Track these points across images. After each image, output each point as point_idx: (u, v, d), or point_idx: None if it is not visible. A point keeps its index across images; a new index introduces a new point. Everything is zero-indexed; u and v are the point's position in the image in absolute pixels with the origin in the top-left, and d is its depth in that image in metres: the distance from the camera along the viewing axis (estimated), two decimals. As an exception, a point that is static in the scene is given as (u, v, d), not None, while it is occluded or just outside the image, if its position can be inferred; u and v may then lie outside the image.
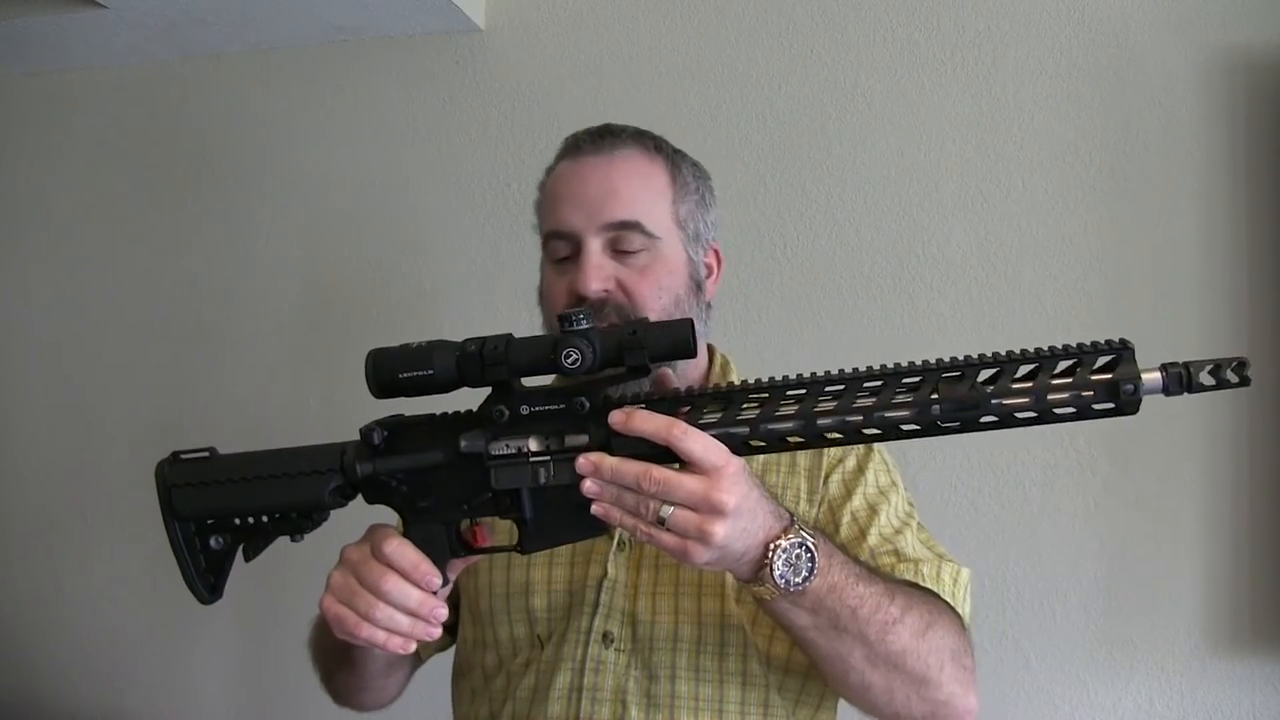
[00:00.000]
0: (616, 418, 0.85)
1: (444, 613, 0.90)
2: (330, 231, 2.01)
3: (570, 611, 1.09)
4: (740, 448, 0.85)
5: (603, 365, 0.86)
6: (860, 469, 1.14)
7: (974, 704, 0.99)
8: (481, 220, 1.93)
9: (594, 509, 0.85)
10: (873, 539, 1.09)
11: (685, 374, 1.12)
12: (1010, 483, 1.67)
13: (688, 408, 0.87)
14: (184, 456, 1.00)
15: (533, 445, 0.89)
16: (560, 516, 0.89)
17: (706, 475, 0.82)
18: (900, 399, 0.83)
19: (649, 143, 1.16)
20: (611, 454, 0.86)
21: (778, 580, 0.87)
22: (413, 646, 0.90)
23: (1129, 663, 1.62)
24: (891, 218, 1.75)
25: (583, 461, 0.84)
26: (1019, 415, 0.81)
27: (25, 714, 2.11)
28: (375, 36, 1.99)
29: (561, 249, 1.12)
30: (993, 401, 0.81)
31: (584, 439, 0.88)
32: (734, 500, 0.82)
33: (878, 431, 0.84)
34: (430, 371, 0.90)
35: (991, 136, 1.72)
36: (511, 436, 0.90)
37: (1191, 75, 1.65)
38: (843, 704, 1.17)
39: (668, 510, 0.82)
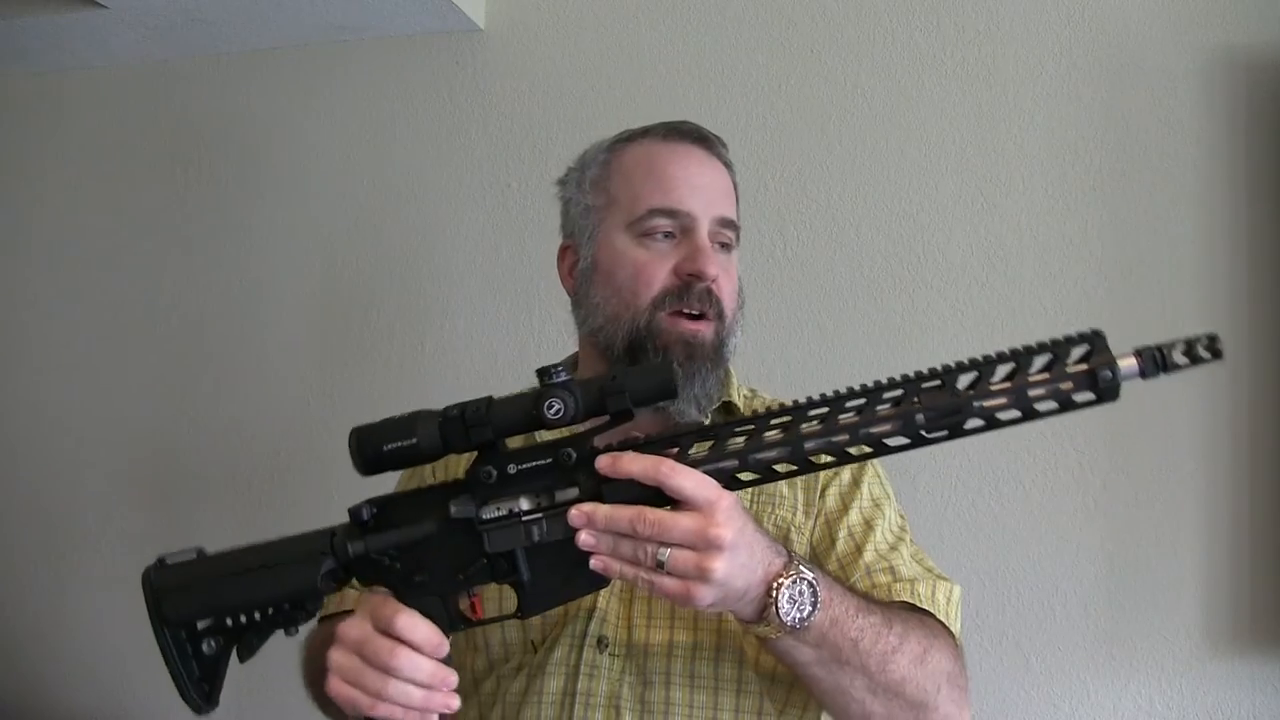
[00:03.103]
0: (603, 462, 0.84)
1: (455, 679, 0.88)
2: (330, 231, 2.01)
3: (565, 616, 1.08)
4: (730, 481, 0.85)
5: (586, 414, 0.85)
6: (855, 482, 1.13)
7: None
8: (482, 220, 1.93)
9: (593, 563, 0.84)
10: (868, 555, 1.08)
11: (709, 399, 1.12)
12: (1010, 483, 1.67)
13: (675, 448, 0.87)
14: (170, 561, 0.95)
15: (524, 504, 0.88)
16: (558, 575, 0.88)
17: (700, 512, 0.81)
18: (884, 413, 0.83)
19: (729, 163, 1.19)
20: (606, 500, 0.85)
21: (783, 618, 0.86)
22: (433, 718, 0.88)
23: (1129, 663, 1.62)
24: (891, 218, 1.75)
25: (575, 513, 0.83)
26: (1002, 416, 0.82)
27: (23, 714, 2.11)
28: (375, 36, 1.99)
29: (665, 228, 1.10)
30: (975, 405, 0.82)
31: (574, 492, 0.87)
32: (730, 534, 0.81)
33: (867, 449, 0.84)
34: (414, 441, 0.88)
35: (991, 136, 1.72)
36: (502, 498, 0.88)
37: (1191, 75, 1.65)
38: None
39: (665, 553, 0.81)
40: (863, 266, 1.75)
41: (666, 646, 1.06)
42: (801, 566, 0.87)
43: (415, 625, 0.86)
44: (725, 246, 1.13)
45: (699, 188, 1.11)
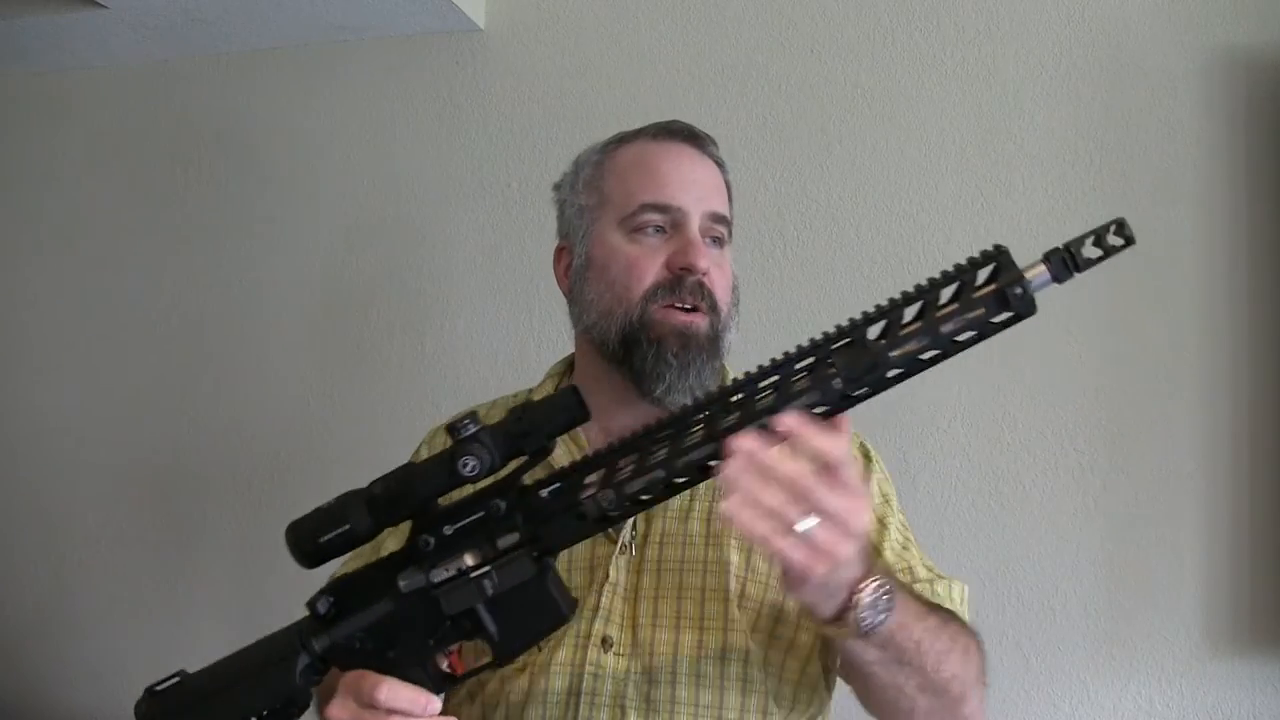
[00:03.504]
0: (745, 442, 0.77)
1: None
2: (330, 231, 2.01)
3: None
4: (668, 488, 0.84)
5: (505, 459, 0.85)
6: (863, 482, 1.14)
7: (983, 713, 1.03)
8: (481, 220, 1.93)
9: (722, 505, 0.77)
10: (888, 555, 1.09)
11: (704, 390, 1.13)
12: (1010, 483, 1.67)
13: (601, 469, 0.85)
14: (158, 689, 0.96)
15: (469, 561, 0.87)
16: (524, 617, 0.88)
17: (852, 494, 0.78)
18: (800, 385, 0.80)
19: (721, 162, 1.19)
20: (544, 541, 0.85)
21: (861, 620, 0.85)
22: None
23: (1129, 663, 1.62)
24: (891, 218, 1.75)
25: (744, 440, 0.76)
26: (923, 358, 0.79)
27: (24, 713, 2.11)
28: (375, 36, 1.99)
29: (656, 222, 1.11)
30: (891, 355, 0.78)
31: (515, 536, 0.86)
32: (865, 527, 0.80)
33: None
34: (348, 526, 0.87)
35: (991, 136, 1.72)
36: (447, 559, 0.88)
37: (1191, 75, 1.65)
38: (837, 709, 1.17)
39: (810, 523, 0.75)
40: (863, 266, 1.75)
41: (672, 645, 1.05)
42: (881, 570, 0.87)
43: (397, 693, 0.86)
44: (717, 241, 1.14)
45: (690, 183, 1.13)
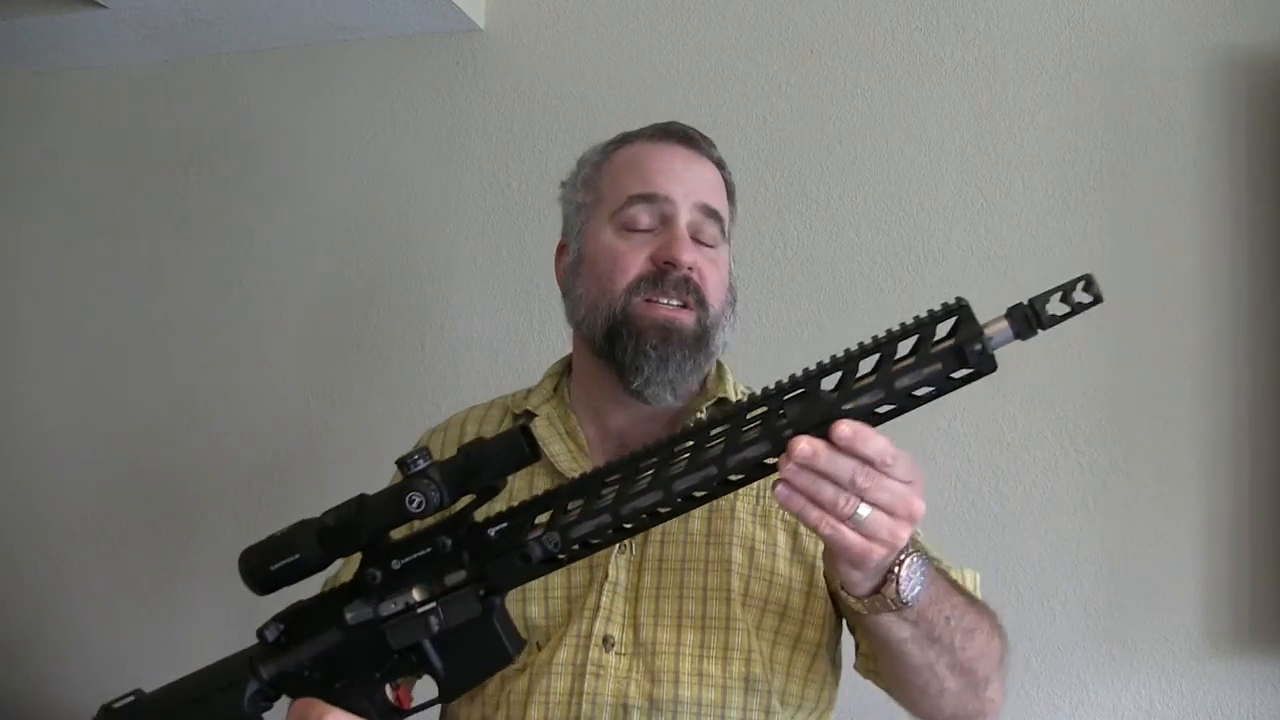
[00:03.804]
0: (802, 449, 0.77)
1: None
2: (330, 231, 2.01)
3: (569, 617, 1.08)
4: (615, 533, 0.83)
5: (454, 497, 0.84)
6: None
7: (1003, 697, 1.03)
8: (481, 220, 1.93)
9: (779, 490, 0.79)
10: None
11: (686, 386, 1.13)
12: (1010, 483, 1.67)
13: (548, 512, 0.85)
14: (115, 707, 0.98)
15: (416, 595, 0.87)
16: (470, 654, 0.88)
17: (910, 481, 0.81)
18: (750, 436, 0.80)
19: (721, 163, 1.20)
20: (490, 579, 0.85)
21: (902, 594, 0.87)
22: None
23: (1129, 663, 1.62)
24: (891, 218, 1.75)
25: (804, 445, 0.77)
26: (879, 411, 0.78)
27: (23, 714, 2.11)
28: (375, 36, 1.99)
29: (644, 216, 1.12)
30: (844, 408, 0.78)
31: (462, 574, 0.86)
32: (922, 511, 0.82)
33: (740, 476, 0.81)
34: (298, 555, 0.87)
35: (991, 136, 1.72)
36: (394, 594, 0.88)
37: (1191, 75, 1.65)
38: (840, 710, 1.17)
39: (866, 510, 0.79)
40: (863, 266, 1.75)
41: (674, 645, 1.05)
42: (915, 544, 0.89)
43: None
44: (711, 238, 1.14)
45: (680, 178, 1.13)
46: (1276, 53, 1.62)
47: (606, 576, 1.08)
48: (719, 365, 1.21)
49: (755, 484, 1.00)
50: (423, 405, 1.89)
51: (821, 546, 1.08)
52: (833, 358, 0.79)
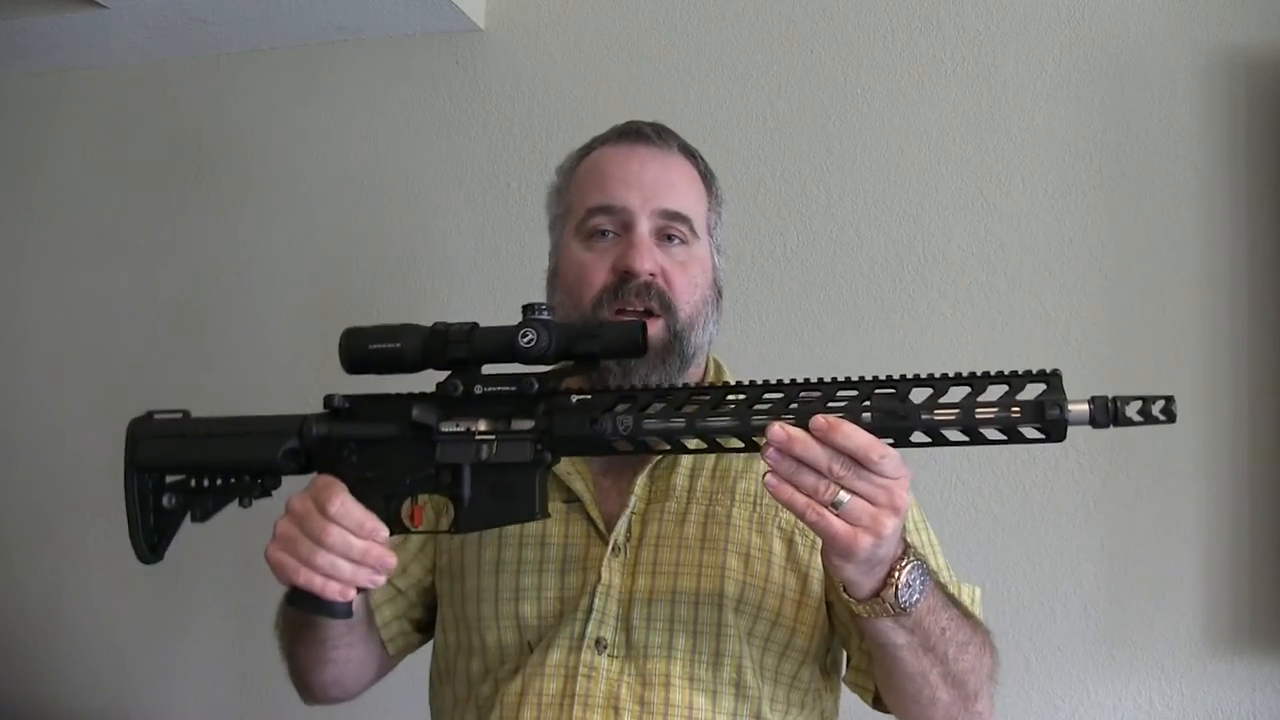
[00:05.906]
0: (776, 432, 0.84)
1: (392, 561, 0.93)
2: (329, 231, 2.01)
3: (562, 618, 1.08)
4: (677, 444, 0.90)
5: (558, 353, 0.91)
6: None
7: (992, 713, 1.05)
8: (481, 220, 1.93)
9: (767, 479, 0.85)
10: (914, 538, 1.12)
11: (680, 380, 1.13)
12: (1010, 483, 1.67)
13: (628, 403, 0.90)
14: (158, 415, 1.03)
15: (481, 426, 0.93)
16: (495, 498, 0.93)
17: (892, 475, 0.84)
18: (834, 406, 0.86)
19: (691, 151, 1.19)
20: (554, 433, 0.91)
21: (900, 599, 0.89)
22: (352, 594, 0.92)
23: (1129, 663, 1.62)
24: (891, 218, 1.75)
25: (777, 430, 0.83)
26: (948, 433, 0.85)
27: (23, 714, 2.11)
28: (375, 36, 1.99)
29: (605, 225, 1.12)
30: (922, 416, 0.85)
31: (530, 423, 0.92)
32: (906, 504, 0.85)
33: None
34: (398, 345, 0.94)
35: (991, 136, 1.72)
36: (463, 416, 0.94)
37: (1191, 75, 1.65)
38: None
39: (845, 497, 0.83)
40: (863, 266, 1.75)
41: (666, 649, 1.05)
42: (916, 553, 0.91)
43: (348, 510, 0.91)
44: (677, 239, 1.13)
45: (637, 184, 1.12)
46: (1276, 53, 1.62)
47: (600, 579, 1.08)
48: (716, 364, 1.21)
49: (752, 492, 1.09)
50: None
51: (817, 556, 1.09)
52: (929, 375, 0.86)
